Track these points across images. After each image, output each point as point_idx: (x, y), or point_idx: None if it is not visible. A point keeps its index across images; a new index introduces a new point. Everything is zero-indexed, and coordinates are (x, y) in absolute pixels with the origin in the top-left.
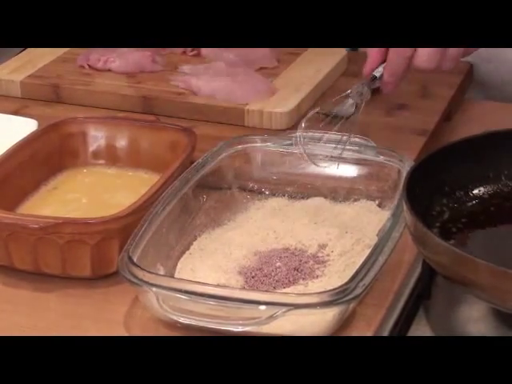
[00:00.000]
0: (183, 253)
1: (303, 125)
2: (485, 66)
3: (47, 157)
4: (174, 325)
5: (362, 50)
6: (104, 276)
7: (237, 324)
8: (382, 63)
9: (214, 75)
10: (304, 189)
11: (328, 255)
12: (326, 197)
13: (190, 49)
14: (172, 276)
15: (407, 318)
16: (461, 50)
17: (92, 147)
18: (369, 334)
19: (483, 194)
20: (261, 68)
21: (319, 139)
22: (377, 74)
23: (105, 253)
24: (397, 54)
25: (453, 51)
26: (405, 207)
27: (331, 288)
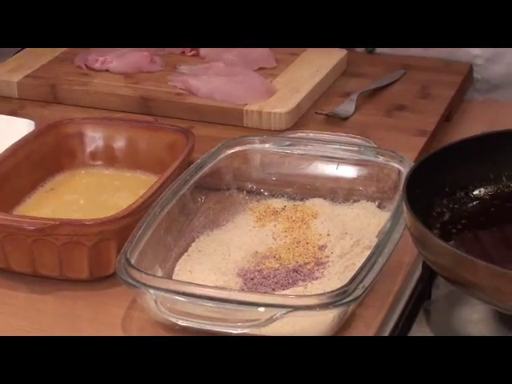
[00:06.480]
0: (181, 254)
1: None
2: (487, 66)
3: (44, 158)
4: (172, 327)
5: (361, 50)
6: (101, 278)
7: (235, 326)
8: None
9: (212, 75)
10: (303, 190)
11: (327, 256)
12: (325, 198)
13: (188, 49)
14: (170, 278)
15: (407, 319)
16: None
17: (90, 148)
18: (369, 335)
19: (484, 194)
20: (260, 68)
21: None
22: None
23: (102, 254)
24: None
25: None
26: (405, 208)
27: (331, 290)
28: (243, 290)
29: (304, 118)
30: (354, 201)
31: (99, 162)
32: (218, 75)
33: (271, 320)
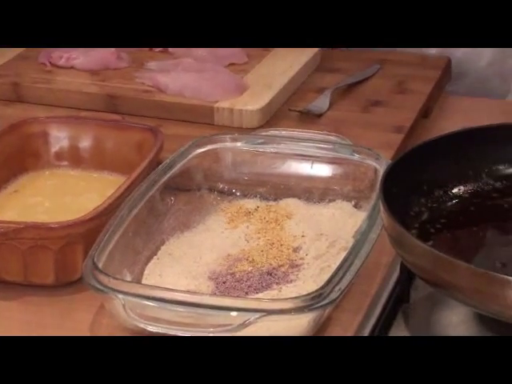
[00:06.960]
0: (151, 258)
1: None
2: (464, 60)
3: (7, 158)
4: (141, 333)
5: None
6: (68, 283)
7: (207, 331)
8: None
9: (182, 72)
10: (277, 189)
11: (302, 258)
12: (299, 198)
13: None
14: (139, 282)
15: (385, 322)
16: None
17: (54, 148)
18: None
19: (463, 192)
20: (230, 64)
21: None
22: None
23: (68, 259)
24: None
25: None
26: (382, 208)
27: (306, 293)
28: (215, 294)
29: (277, 115)
30: (330, 200)
31: (65, 163)
32: (187, 71)
33: (244, 325)
